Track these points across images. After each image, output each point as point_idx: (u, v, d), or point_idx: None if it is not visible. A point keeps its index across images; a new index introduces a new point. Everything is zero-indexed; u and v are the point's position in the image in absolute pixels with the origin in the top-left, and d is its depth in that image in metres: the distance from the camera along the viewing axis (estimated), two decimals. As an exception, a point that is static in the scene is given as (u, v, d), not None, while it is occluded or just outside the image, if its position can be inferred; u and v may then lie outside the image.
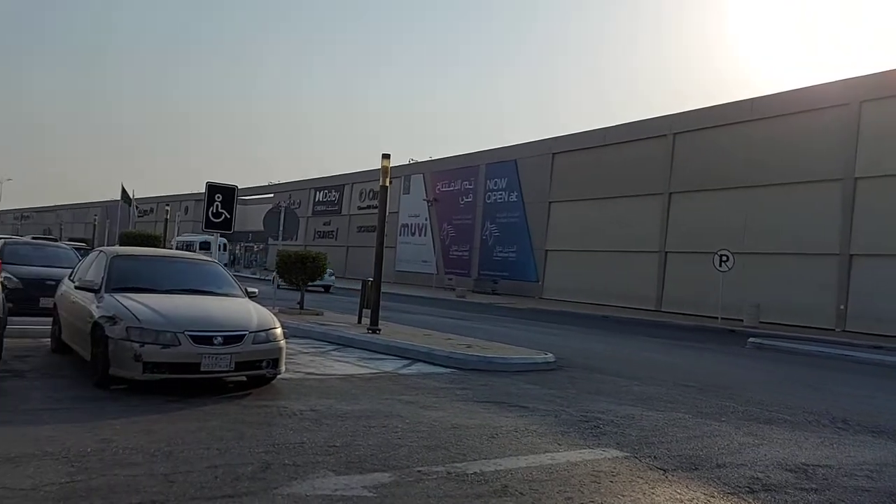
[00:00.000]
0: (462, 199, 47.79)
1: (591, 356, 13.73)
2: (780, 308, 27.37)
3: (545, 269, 40.66)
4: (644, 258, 34.34)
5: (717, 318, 27.01)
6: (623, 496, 4.89)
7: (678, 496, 4.98)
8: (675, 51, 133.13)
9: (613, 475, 5.38)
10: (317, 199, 64.84)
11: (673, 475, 5.50)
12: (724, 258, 26.89)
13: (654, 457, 6.03)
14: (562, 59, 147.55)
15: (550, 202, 40.63)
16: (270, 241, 19.59)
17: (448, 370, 10.30)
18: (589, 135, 38.90)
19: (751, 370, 13.95)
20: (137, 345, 6.85)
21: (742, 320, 26.44)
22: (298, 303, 17.13)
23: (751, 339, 19.67)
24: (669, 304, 32.54)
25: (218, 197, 15.09)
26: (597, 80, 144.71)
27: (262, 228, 18.15)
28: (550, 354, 11.99)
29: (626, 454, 6.06)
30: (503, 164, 44.44)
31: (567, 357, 12.67)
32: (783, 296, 27.58)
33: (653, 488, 5.12)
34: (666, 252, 33.68)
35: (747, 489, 5.26)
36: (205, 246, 41.88)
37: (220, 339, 7.17)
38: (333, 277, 32.11)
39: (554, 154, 40.86)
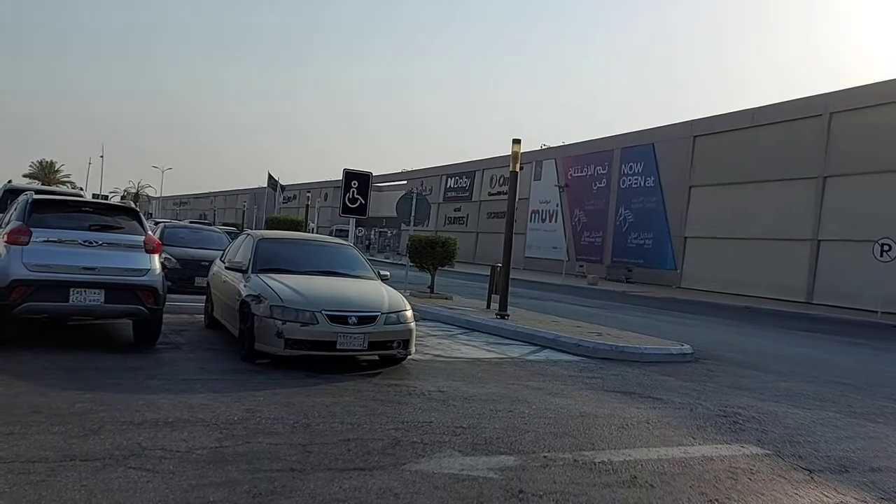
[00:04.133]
0: (595, 185, 46.74)
1: (731, 349, 13.04)
2: (952, 303, 24.72)
3: (684, 256, 39.00)
4: (794, 246, 32.10)
5: (876, 312, 24.82)
6: (762, 495, 4.62)
7: (825, 499, 4.64)
8: (829, 25, 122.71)
9: (752, 473, 5.10)
10: (448, 186, 65.74)
11: (819, 476, 5.13)
12: (887, 247, 24.62)
13: (799, 456, 5.65)
14: (699, 40, 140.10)
15: (691, 187, 38.84)
16: (403, 226, 20.12)
17: (577, 358, 10.15)
18: (734, 116, 36.77)
19: (915, 370, 12.71)
20: (280, 322, 7.26)
21: (906, 315, 24.15)
22: (429, 286, 17.47)
23: (916, 336, 17.92)
24: (822, 296, 30.26)
25: (354, 183, 15.67)
26: (736, 62, 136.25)
27: (395, 214, 18.67)
28: (687, 345, 11.50)
29: (767, 452, 5.72)
30: (639, 148, 42.97)
31: (705, 349, 12.12)
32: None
33: (796, 489, 4.80)
34: (819, 240, 31.29)
35: (906, 498, 4.82)
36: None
37: (354, 318, 7.46)
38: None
39: (695, 136, 38.98)
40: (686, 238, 38.94)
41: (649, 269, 40.58)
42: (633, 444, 5.66)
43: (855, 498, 4.71)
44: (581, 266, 44.15)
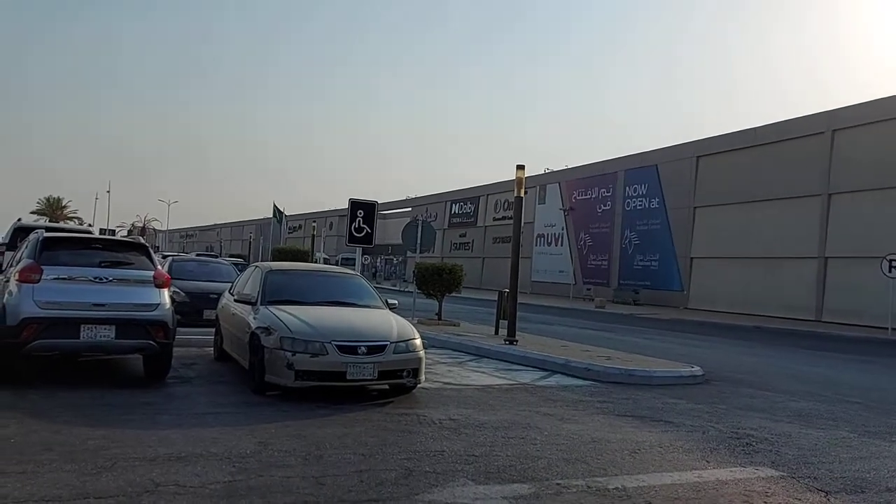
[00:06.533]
0: (600, 207, 46.84)
1: (741, 369, 12.97)
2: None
3: (691, 277, 38.90)
4: (801, 264, 32.00)
5: (886, 328, 24.66)
6: (778, 519, 4.59)
7: (842, 522, 4.60)
8: (823, 40, 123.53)
9: (768, 495, 5.07)
10: (453, 212, 65.94)
11: (836, 498, 5.09)
12: (895, 263, 24.54)
13: (814, 478, 5.61)
14: (697, 59, 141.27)
15: (695, 207, 38.87)
16: (409, 253, 20.25)
17: (587, 382, 10.12)
18: (737, 135, 36.90)
19: (928, 386, 12.61)
20: (290, 353, 7.29)
21: (917, 331, 23.96)
22: (436, 313, 17.47)
23: (928, 353, 17.79)
24: (830, 314, 30.09)
25: (360, 213, 15.75)
26: (736, 79, 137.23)
27: (400, 241, 18.73)
28: (697, 367, 11.45)
29: (781, 474, 5.68)
30: (643, 170, 43.10)
31: (715, 370, 12.05)
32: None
33: (812, 512, 4.77)
34: (826, 258, 31.20)
35: (925, 518, 4.77)
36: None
37: (363, 348, 7.48)
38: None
39: (698, 157, 39.09)
40: (692, 259, 38.88)
41: (656, 291, 40.47)
42: (647, 469, 5.63)
43: (872, 519, 4.67)
44: (588, 289, 44.04)
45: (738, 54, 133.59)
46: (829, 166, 31.33)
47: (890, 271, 24.59)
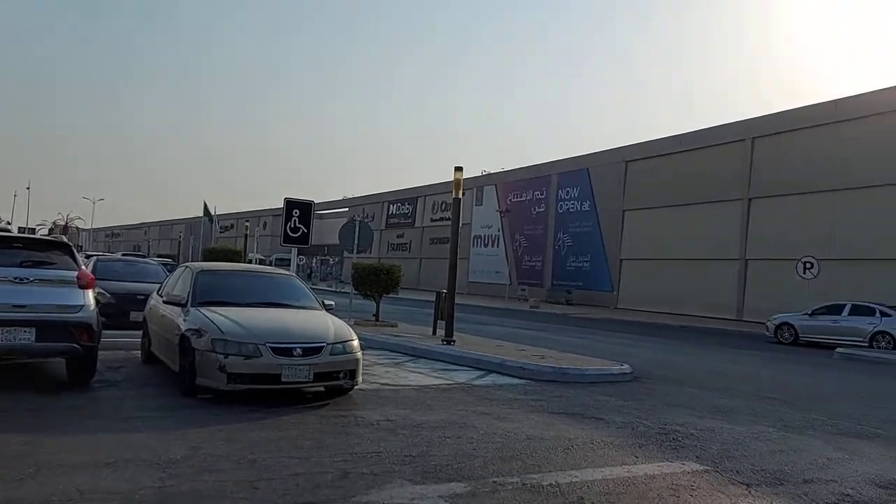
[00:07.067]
0: (534, 210, 47.59)
1: (668, 367, 13.41)
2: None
3: (620, 278, 39.98)
4: (723, 266, 33.31)
5: (802, 327, 25.87)
6: (703, 511, 4.78)
7: (762, 512, 4.82)
8: (758, 51, 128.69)
9: (693, 489, 5.26)
10: (390, 212, 65.83)
11: (756, 490, 5.34)
12: (809, 265, 25.78)
13: (737, 471, 5.86)
14: (634, 66, 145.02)
15: (624, 210, 39.99)
16: (346, 254, 20.11)
17: (521, 381, 10.27)
18: (663, 141, 38.19)
19: (839, 382, 13.33)
20: (222, 356, 7.13)
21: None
22: (374, 314, 17.40)
23: (838, 350, 18.78)
24: (751, 314, 31.42)
25: (295, 212, 15.52)
26: (671, 86, 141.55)
27: (337, 242, 18.56)
28: (627, 365, 11.79)
29: (706, 468, 5.91)
30: (575, 174, 44.05)
31: (644, 368, 12.42)
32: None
33: (735, 503, 4.98)
34: (746, 259, 32.58)
35: (836, 506, 5.06)
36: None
37: (299, 350, 7.38)
38: None
39: (627, 162, 40.24)
40: (622, 260, 39.96)
41: (588, 292, 41.41)
42: (579, 465, 5.77)
43: (789, 508, 4.91)
44: (523, 290, 44.66)
45: (686, 58, 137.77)
46: (750, 172, 32.74)
47: (804, 273, 25.82)
